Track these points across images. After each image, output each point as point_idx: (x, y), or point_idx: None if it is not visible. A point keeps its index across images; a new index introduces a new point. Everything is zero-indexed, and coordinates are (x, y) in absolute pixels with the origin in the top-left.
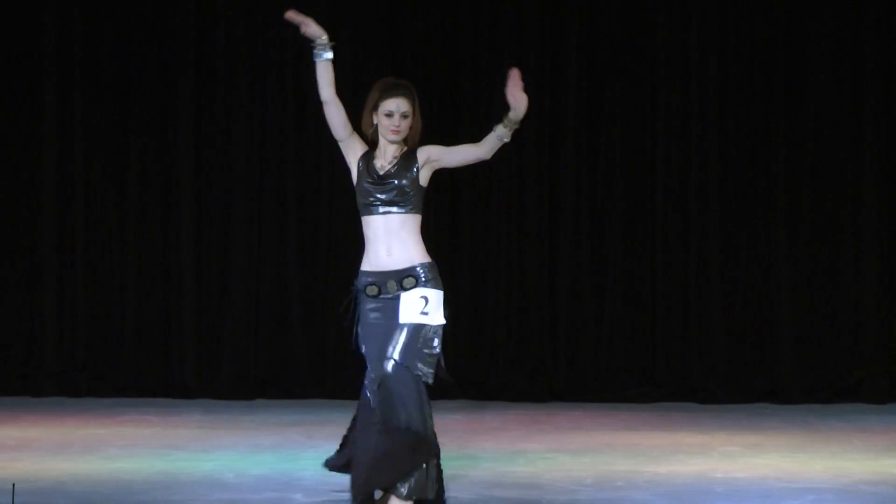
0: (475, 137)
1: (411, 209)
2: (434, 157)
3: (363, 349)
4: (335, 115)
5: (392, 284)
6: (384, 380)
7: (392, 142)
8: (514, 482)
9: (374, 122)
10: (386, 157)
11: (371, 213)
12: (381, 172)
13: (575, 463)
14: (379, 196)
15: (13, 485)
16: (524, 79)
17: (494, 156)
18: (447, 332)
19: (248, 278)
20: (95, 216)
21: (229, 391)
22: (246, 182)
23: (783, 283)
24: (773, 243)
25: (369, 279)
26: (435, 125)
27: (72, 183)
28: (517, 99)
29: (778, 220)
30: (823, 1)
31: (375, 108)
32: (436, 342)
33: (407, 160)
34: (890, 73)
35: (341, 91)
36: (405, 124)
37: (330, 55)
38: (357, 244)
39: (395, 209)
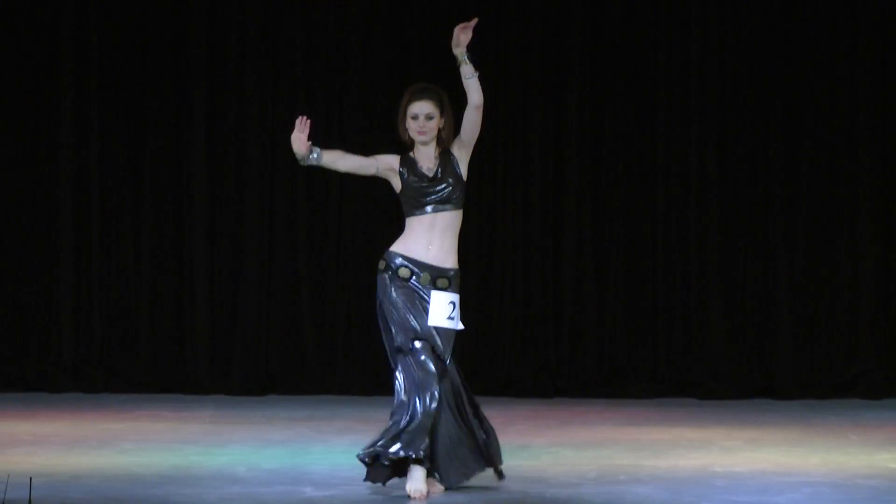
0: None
1: (457, 206)
2: (460, 144)
3: (392, 324)
4: (357, 170)
5: (426, 276)
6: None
7: (421, 143)
8: (519, 476)
9: (406, 126)
10: (429, 159)
11: (423, 212)
12: (431, 175)
13: (578, 457)
14: (432, 196)
15: (30, 478)
16: (529, 82)
17: (501, 158)
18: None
19: (260, 277)
20: (111, 215)
21: (241, 387)
22: (258, 181)
23: (781, 281)
24: (771, 242)
25: (403, 262)
26: None
27: (88, 182)
28: (456, 34)
29: (776, 220)
30: (820, 7)
31: (405, 113)
32: (449, 345)
33: (447, 160)
34: (885, 75)
35: (350, 98)
36: (430, 125)
37: (317, 156)
38: (366, 242)
39: (446, 207)
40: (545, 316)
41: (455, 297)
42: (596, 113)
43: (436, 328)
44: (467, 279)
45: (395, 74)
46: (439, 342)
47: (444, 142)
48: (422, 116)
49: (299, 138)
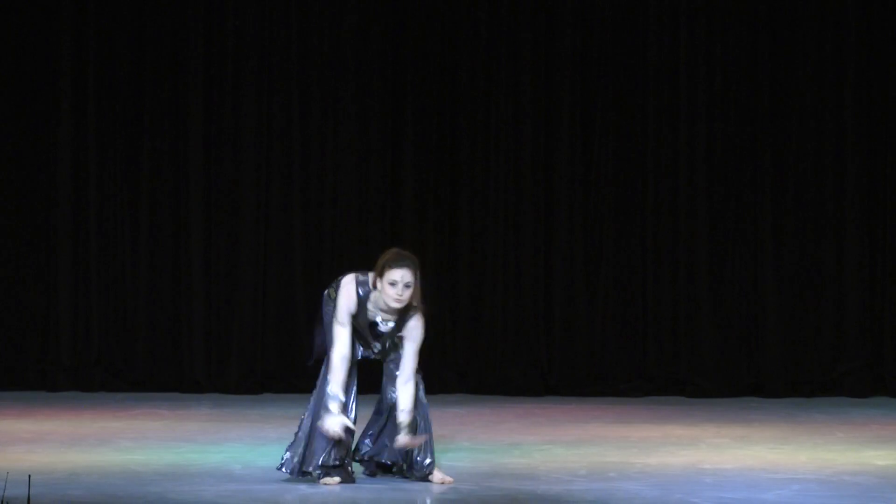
0: (473, 143)
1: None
2: (405, 343)
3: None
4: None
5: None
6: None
7: (395, 308)
8: (510, 473)
9: (378, 285)
10: (384, 313)
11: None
12: (381, 329)
13: (569, 454)
14: (367, 351)
15: (28, 476)
16: (519, 84)
17: (492, 157)
18: (447, 328)
19: (256, 276)
20: (108, 216)
21: (237, 386)
22: (253, 182)
23: (769, 280)
24: (759, 242)
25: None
26: (433, 131)
27: (86, 182)
28: (402, 442)
29: (763, 220)
30: (806, 11)
31: (381, 273)
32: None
33: (400, 324)
34: (869, 76)
35: (345, 104)
36: (407, 293)
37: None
38: (361, 242)
39: (368, 355)
40: (536, 315)
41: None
42: (586, 114)
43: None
44: (460, 280)
45: (391, 75)
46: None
47: (411, 305)
48: (400, 284)
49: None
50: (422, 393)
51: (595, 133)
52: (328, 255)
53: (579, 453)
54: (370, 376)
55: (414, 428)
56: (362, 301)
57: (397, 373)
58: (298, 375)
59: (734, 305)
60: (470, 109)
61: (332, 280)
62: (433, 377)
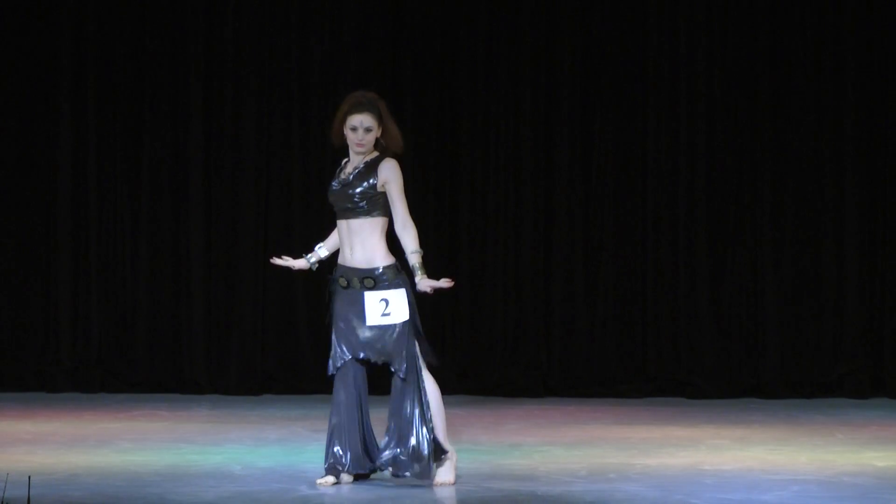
0: (473, 144)
1: (370, 213)
2: (386, 189)
3: (332, 335)
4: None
5: (356, 281)
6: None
7: (357, 153)
8: (510, 474)
9: (345, 135)
10: (352, 164)
11: (339, 217)
12: (342, 179)
13: (569, 456)
14: (339, 205)
15: (29, 477)
16: (519, 85)
17: (493, 158)
18: (447, 329)
19: (255, 278)
20: (108, 217)
21: (237, 387)
22: (253, 183)
23: (768, 282)
24: (759, 244)
25: (340, 272)
26: (432, 132)
27: (86, 184)
28: (423, 286)
29: (763, 222)
30: (805, 11)
31: (343, 122)
32: (401, 335)
33: (369, 169)
34: (869, 77)
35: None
36: (368, 138)
37: (317, 258)
38: None
39: (354, 214)
40: (536, 316)
41: (387, 293)
42: (586, 114)
43: (377, 328)
44: (460, 281)
45: (389, 77)
46: (378, 352)
47: (382, 148)
48: (361, 129)
49: (293, 265)
50: (431, 386)
51: (595, 134)
52: (328, 257)
53: (579, 454)
54: (380, 378)
55: (423, 269)
56: (339, 169)
57: (401, 375)
58: (299, 376)
59: (734, 306)
60: (470, 110)
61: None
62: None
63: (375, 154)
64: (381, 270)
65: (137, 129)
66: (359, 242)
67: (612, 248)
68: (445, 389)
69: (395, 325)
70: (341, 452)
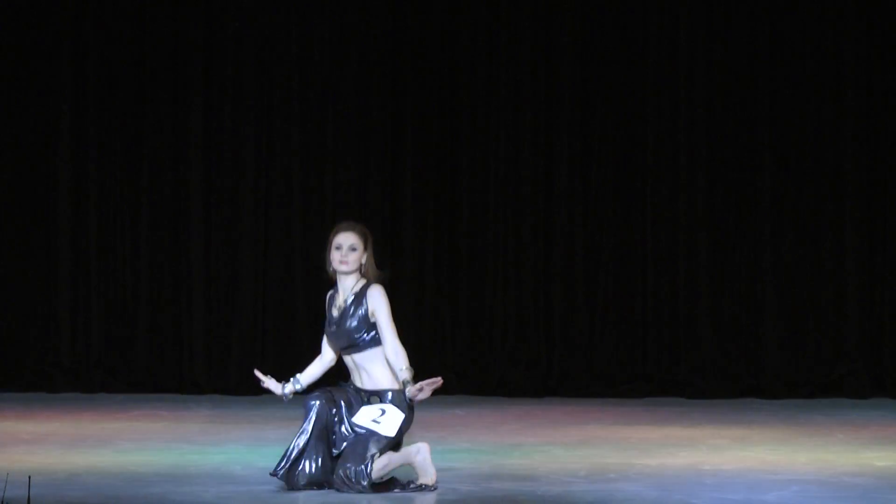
0: (472, 149)
1: (370, 345)
2: (375, 318)
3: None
4: (331, 357)
5: (363, 395)
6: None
7: (343, 273)
8: (510, 474)
9: (330, 259)
10: (342, 296)
11: (342, 353)
12: (336, 315)
13: (569, 456)
14: (340, 343)
15: (29, 477)
16: (520, 90)
17: (493, 158)
18: (447, 329)
19: (256, 278)
20: (109, 218)
21: (237, 387)
22: (253, 183)
23: (768, 283)
24: (759, 244)
25: (350, 385)
26: (433, 133)
27: (86, 185)
28: (412, 392)
29: (763, 223)
30: (806, 11)
31: (330, 245)
32: (374, 446)
33: (358, 299)
34: (869, 77)
35: (345, 105)
36: (352, 257)
37: (293, 389)
38: None
39: (356, 350)
40: (536, 317)
41: (388, 407)
42: (586, 114)
43: (360, 430)
44: (461, 284)
45: (391, 76)
46: (343, 448)
47: (365, 275)
48: (345, 247)
49: (268, 385)
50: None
51: (595, 134)
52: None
53: (579, 454)
54: None
55: (412, 381)
56: (329, 301)
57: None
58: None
59: (734, 306)
60: (470, 111)
61: (332, 285)
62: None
63: (362, 283)
64: (389, 394)
65: (137, 129)
66: (366, 373)
67: (611, 248)
68: (445, 389)
69: (375, 434)
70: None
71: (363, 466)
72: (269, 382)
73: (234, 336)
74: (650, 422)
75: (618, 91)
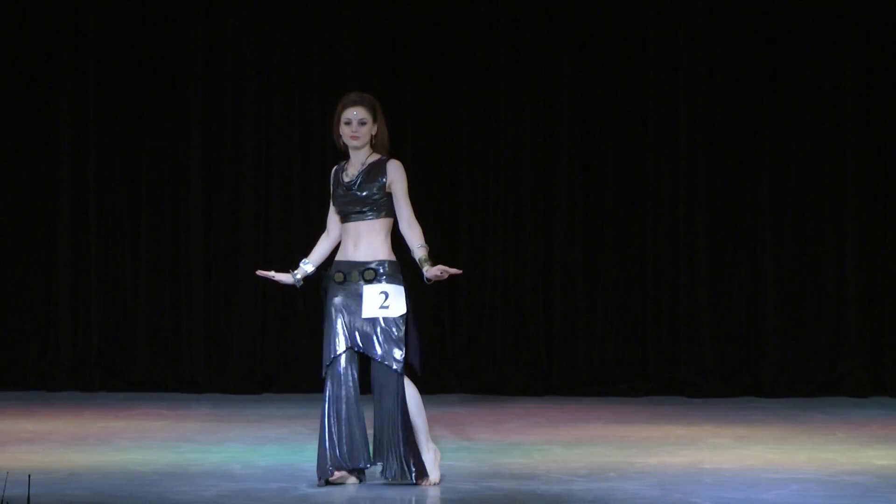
0: (472, 148)
1: (378, 215)
2: (392, 190)
3: (325, 329)
4: (336, 234)
5: (355, 274)
6: (374, 376)
7: (354, 147)
8: (510, 473)
9: (340, 132)
10: (354, 167)
11: (346, 220)
12: (348, 181)
13: (569, 454)
14: (349, 207)
15: (28, 476)
16: (520, 88)
17: (493, 157)
18: (447, 329)
19: (255, 277)
20: (108, 217)
21: (237, 386)
22: (253, 182)
23: (768, 281)
24: (759, 243)
25: (337, 268)
26: (432, 132)
27: (86, 184)
28: (433, 272)
29: (764, 221)
30: (806, 13)
31: (339, 120)
32: (398, 328)
33: (375, 169)
34: (869, 79)
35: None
36: (363, 130)
37: (305, 273)
38: None
39: (364, 217)
40: (536, 316)
41: (387, 287)
42: (586, 113)
43: (373, 321)
44: (460, 281)
45: (388, 80)
46: (374, 345)
47: (378, 147)
48: (355, 122)
49: (277, 279)
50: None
51: (595, 133)
52: (327, 255)
53: (579, 453)
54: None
55: (431, 260)
56: (338, 173)
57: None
58: (298, 376)
59: (734, 305)
60: (470, 110)
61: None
62: (433, 377)
63: (377, 156)
64: (383, 264)
65: (137, 129)
66: (364, 240)
67: (611, 246)
68: (445, 388)
69: (390, 318)
70: (338, 448)
71: (405, 462)
72: (278, 275)
73: (233, 335)
74: (650, 420)
75: (618, 91)
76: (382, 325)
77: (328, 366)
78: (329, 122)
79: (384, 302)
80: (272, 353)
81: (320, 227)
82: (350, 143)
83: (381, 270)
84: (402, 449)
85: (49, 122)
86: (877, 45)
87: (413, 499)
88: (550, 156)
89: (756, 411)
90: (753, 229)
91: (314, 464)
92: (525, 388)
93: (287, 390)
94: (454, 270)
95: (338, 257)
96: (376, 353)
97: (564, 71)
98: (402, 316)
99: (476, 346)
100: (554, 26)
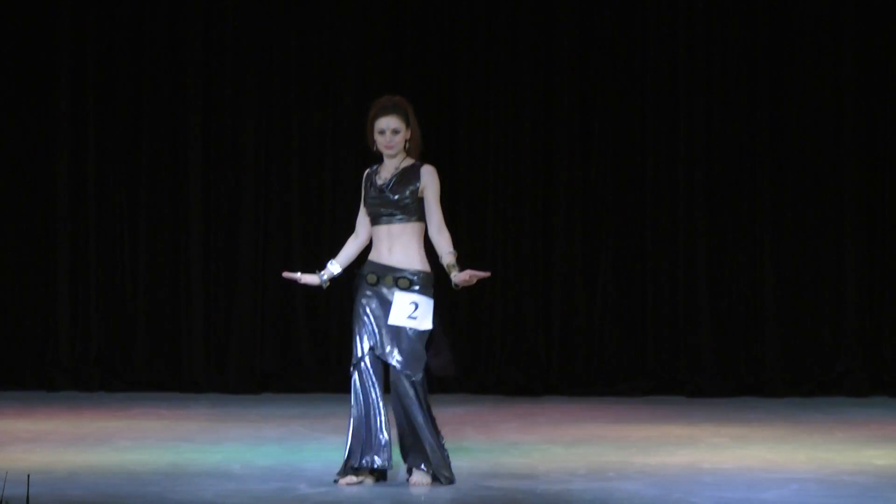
0: (472, 144)
1: (411, 219)
2: (424, 195)
3: (353, 335)
4: (366, 233)
5: (389, 279)
6: (393, 384)
7: (388, 156)
8: (509, 473)
9: (374, 140)
10: (388, 170)
11: (377, 223)
12: (381, 184)
13: (568, 454)
14: (382, 209)
15: (28, 476)
16: (519, 86)
17: (492, 157)
18: (447, 329)
19: (254, 277)
20: (108, 217)
21: (236, 385)
22: (253, 183)
23: (768, 280)
24: (758, 243)
25: (371, 269)
26: (432, 132)
27: (85, 184)
28: (461, 277)
29: (763, 221)
30: (805, 14)
31: (372, 126)
32: (420, 341)
33: (409, 173)
34: (868, 80)
35: (346, 103)
36: (396, 140)
37: (331, 274)
38: None
39: (395, 219)
40: (536, 315)
41: (419, 298)
42: (585, 113)
43: (398, 329)
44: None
45: (389, 77)
46: (395, 352)
47: (412, 152)
48: (388, 131)
49: (304, 281)
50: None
51: (594, 133)
52: (327, 255)
53: (578, 453)
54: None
55: (457, 266)
56: (371, 175)
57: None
58: (297, 376)
59: (733, 305)
60: (469, 110)
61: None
62: (433, 377)
63: (411, 160)
64: (419, 275)
65: (137, 128)
66: (399, 245)
67: (611, 246)
68: (445, 388)
69: (415, 330)
70: (363, 445)
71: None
72: (304, 277)
73: (233, 335)
74: (649, 420)
75: (618, 91)
76: (406, 334)
77: (354, 364)
78: (329, 122)
79: (413, 312)
80: (271, 353)
81: (320, 227)
82: (386, 152)
83: (416, 280)
84: (431, 453)
85: (49, 121)
86: (877, 45)
87: (413, 499)
88: (550, 156)
89: (755, 411)
90: (753, 228)
91: (312, 464)
92: (524, 388)
93: (286, 390)
94: (483, 273)
95: (371, 257)
96: (396, 362)
97: (564, 71)
98: (424, 331)
99: (475, 345)
100: (554, 26)
